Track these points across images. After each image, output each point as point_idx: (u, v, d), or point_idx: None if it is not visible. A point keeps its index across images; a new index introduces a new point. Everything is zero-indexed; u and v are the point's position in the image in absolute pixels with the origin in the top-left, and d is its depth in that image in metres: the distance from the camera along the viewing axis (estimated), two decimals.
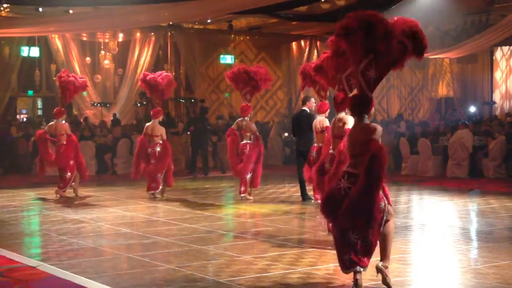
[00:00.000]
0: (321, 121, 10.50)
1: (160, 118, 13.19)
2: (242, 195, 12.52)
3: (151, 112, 13.43)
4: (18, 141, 18.77)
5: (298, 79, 24.52)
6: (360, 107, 6.00)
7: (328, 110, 10.47)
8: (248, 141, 12.48)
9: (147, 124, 13.31)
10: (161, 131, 13.03)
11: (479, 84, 25.35)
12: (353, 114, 6.14)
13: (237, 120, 12.86)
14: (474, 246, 8.33)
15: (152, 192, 12.94)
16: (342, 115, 8.13)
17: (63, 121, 13.48)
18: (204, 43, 23.53)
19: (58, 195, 13.04)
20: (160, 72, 13.89)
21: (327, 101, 10.37)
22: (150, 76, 13.24)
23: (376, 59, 5.81)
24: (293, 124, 12.58)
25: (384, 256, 6.09)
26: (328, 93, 10.32)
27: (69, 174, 13.07)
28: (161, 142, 12.93)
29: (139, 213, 11.05)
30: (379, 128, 5.95)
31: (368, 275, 6.24)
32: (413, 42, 5.79)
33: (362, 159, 5.82)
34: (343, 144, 6.93)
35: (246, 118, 12.59)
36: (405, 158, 17.59)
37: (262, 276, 6.61)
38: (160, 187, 12.97)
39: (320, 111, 10.57)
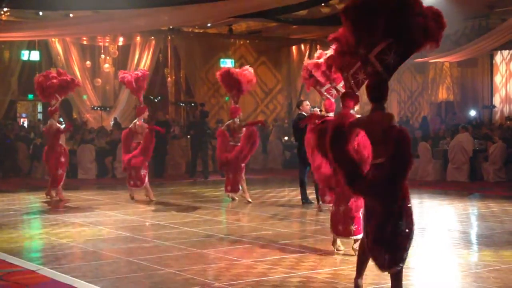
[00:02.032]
0: None
1: (145, 116, 13.11)
2: (228, 193, 12.76)
3: (136, 110, 13.51)
4: (17, 144, 18.77)
5: (298, 83, 24.59)
6: (380, 92, 5.68)
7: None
8: (238, 144, 12.54)
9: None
10: (142, 129, 12.91)
11: (479, 88, 25.33)
12: (371, 100, 5.77)
13: (228, 122, 12.99)
14: (475, 250, 8.33)
15: (132, 189, 12.99)
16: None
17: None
18: (204, 47, 23.53)
19: (58, 197, 13.05)
20: (131, 71, 13.92)
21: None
22: (126, 78, 13.14)
23: (397, 43, 5.54)
24: (294, 129, 12.57)
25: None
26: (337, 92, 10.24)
27: (60, 171, 13.05)
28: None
29: (138, 217, 11.05)
30: (393, 114, 5.77)
31: (369, 279, 6.24)
32: (435, 25, 5.69)
33: (383, 148, 5.52)
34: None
35: (236, 120, 12.67)
36: None
37: (262, 280, 6.60)
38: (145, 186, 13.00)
39: (329, 110, 10.50)
